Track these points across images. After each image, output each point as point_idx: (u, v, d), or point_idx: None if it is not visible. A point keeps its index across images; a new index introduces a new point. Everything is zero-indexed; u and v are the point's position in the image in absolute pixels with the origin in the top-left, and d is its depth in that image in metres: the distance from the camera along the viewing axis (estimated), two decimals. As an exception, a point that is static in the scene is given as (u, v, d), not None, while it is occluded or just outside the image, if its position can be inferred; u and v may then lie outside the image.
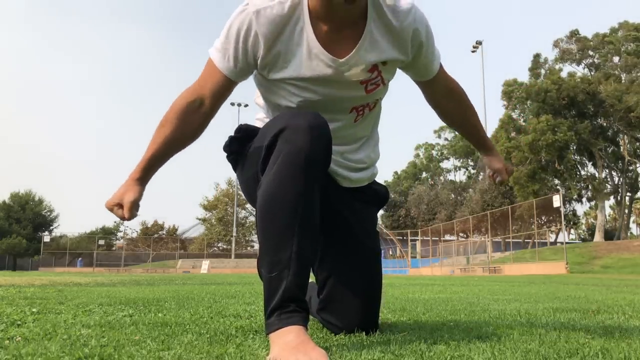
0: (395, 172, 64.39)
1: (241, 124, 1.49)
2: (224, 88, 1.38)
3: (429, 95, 1.58)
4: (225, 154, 1.52)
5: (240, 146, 1.46)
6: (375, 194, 1.65)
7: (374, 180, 1.66)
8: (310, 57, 1.31)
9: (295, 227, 1.17)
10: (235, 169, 1.51)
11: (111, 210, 1.37)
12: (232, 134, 1.50)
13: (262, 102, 1.53)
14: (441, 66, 1.51)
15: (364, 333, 1.48)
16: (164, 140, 1.38)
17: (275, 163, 1.18)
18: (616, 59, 37.75)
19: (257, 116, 1.57)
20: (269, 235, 1.19)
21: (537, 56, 40.28)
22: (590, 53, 39.15)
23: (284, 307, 1.16)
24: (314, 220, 1.21)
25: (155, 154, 1.39)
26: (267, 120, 1.47)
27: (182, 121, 1.37)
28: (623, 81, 36.07)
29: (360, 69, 1.34)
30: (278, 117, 1.29)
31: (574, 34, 40.01)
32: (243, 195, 1.53)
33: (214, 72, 1.35)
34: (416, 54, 1.40)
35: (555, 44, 40.66)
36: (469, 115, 1.64)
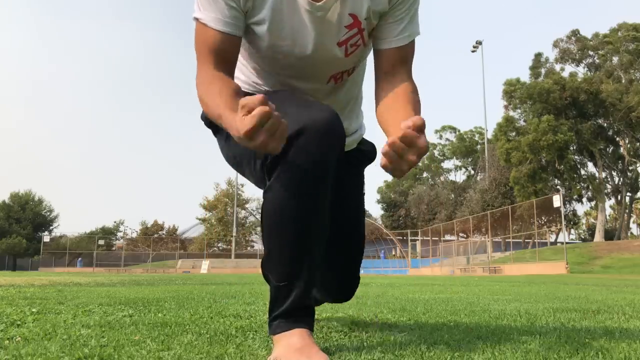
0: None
1: None
2: (233, 48, 1.20)
3: (376, 72, 1.32)
4: (203, 121, 1.39)
5: None
6: (363, 155, 1.56)
7: (362, 139, 1.57)
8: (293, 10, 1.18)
9: (309, 239, 1.14)
10: (215, 131, 1.38)
11: (249, 134, 0.93)
12: None
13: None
14: (406, 48, 1.28)
15: (364, 333, 1.48)
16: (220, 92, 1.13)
17: (287, 172, 1.10)
18: (615, 59, 37.76)
19: (241, 76, 1.39)
20: (281, 246, 1.16)
21: (538, 55, 40.31)
22: (590, 53, 39.16)
23: (291, 312, 1.15)
24: (325, 227, 1.19)
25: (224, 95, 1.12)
26: (246, 79, 1.35)
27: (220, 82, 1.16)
28: (623, 81, 36.07)
29: (337, 14, 1.20)
30: (290, 107, 1.12)
31: (574, 33, 40.01)
32: (224, 157, 1.38)
33: (212, 35, 1.17)
34: (391, 7, 1.24)
35: (555, 44, 40.68)
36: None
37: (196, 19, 1.19)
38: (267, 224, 1.17)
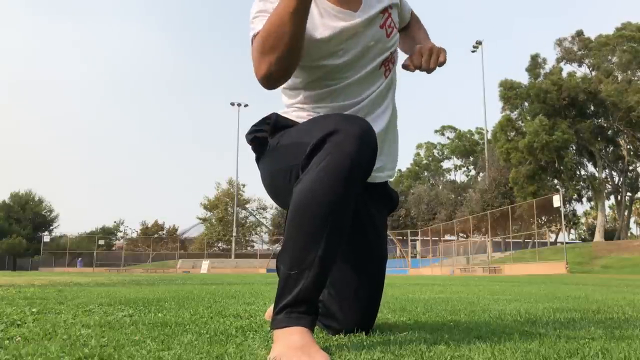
0: (399, 170, 64.40)
1: (273, 112, 1.47)
2: None
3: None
4: (247, 140, 1.49)
5: (266, 134, 1.43)
6: (389, 198, 1.64)
7: (387, 182, 1.64)
8: (322, 15, 1.39)
9: (325, 231, 1.16)
10: (259, 156, 1.48)
11: None
12: (261, 119, 1.48)
13: (293, 84, 1.48)
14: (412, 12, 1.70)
15: (363, 333, 1.48)
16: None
17: (319, 164, 1.17)
18: (615, 59, 37.72)
19: (290, 101, 1.51)
20: (298, 234, 1.19)
21: (535, 56, 40.20)
22: (594, 53, 39.04)
23: (296, 306, 1.16)
24: (344, 229, 1.21)
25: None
26: (301, 106, 1.46)
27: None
28: (620, 81, 36.03)
29: (374, 11, 1.43)
30: (328, 116, 1.28)
31: (579, 33, 39.98)
32: (263, 184, 1.49)
33: None
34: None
35: (558, 43, 40.60)
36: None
37: (254, 35, 1.31)
38: (291, 211, 1.21)
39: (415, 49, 1.42)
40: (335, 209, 1.16)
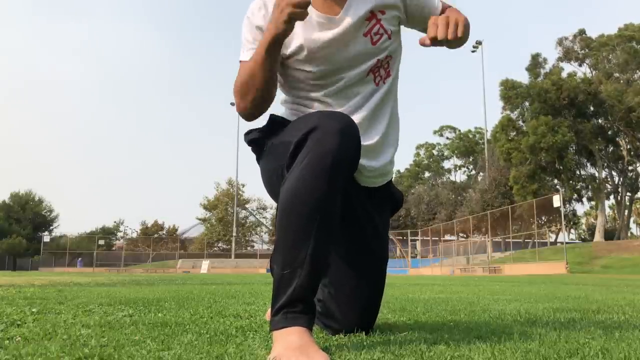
0: (398, 170, 64.40)
1: (271, 114, 1.48)
2: None
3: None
4: (245, 140, 1.51)
5: (263, 135, 1.44)
6: (392, 198, 1.63)
7: (391, 181, 1.62)
8: (306, 23, 1.36)
9: (313, 228, 1.16)
10: (258, 158, 1.49)
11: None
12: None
13: (282, 85, 1.52)
14: (442, 3, 1.51)
15: (363, 333, 1.48)
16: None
17: (301, 162, 1.18)
18: (615, 59, 37.72)
19: (284, 99, 1.53)
20: (286, 234, 1.19)
21: (535, 56, 40.19)
22: (594, 53, 39.02)
23: (292, 306, 1.16)
24: (333, 224, 1.21)
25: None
26: (294, 105, 1.48)
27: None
28: (621, 81, 36.05)
29: (356, 19, 1.38)
30: (311, 114, 1.29)
31: (581, 32, 39.97)
32: (264, 185, 1.51)
33: (249, 66, 1.37)
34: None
35: (559, 42, 40.57)
36: None
37: (240, 61, 1.42)
38: (279, 212, 1.22)
39: (429, 20, 1.27)
40: (320, 206, 1.17)
